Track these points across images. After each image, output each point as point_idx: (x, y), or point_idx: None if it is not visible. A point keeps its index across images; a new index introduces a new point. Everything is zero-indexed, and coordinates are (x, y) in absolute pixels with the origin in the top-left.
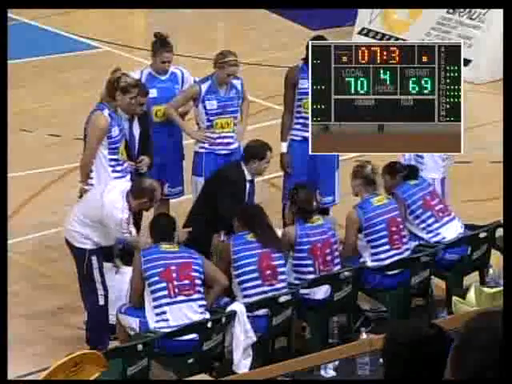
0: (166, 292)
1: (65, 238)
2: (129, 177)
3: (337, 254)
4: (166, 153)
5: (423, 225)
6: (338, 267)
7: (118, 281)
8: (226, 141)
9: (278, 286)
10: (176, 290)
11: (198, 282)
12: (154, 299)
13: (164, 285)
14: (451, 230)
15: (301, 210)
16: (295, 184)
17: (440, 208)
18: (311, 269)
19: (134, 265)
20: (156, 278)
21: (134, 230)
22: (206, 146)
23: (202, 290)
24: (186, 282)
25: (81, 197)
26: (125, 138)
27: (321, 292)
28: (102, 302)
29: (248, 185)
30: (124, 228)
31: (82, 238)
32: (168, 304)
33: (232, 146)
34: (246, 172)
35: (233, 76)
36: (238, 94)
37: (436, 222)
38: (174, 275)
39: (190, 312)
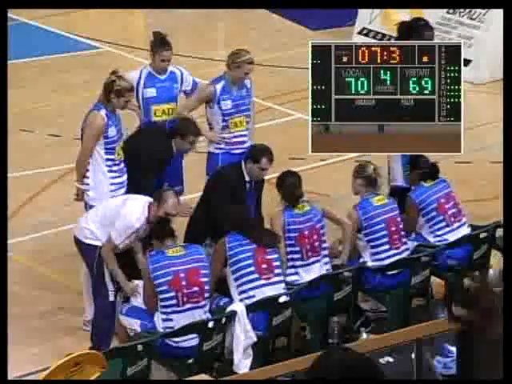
0: (174, 301)
1: (74, 236)
2: (125, 177)
3: (324, 238)
4: None
5: (432, 229)
6: (326, 252)
7: None
8: (240, 139)
9: (274, 279)
10: (185, 299)
11: (207, 287)
12: (162, 306)
13: (173, 294)
14: (458, 236)
15: (287, 195)
16: (282, 172)
17: (453, 212)
18: (299, 255)
19: (143, 272)
20: (165, 287)
21: (139, 245)
22: (223, 146)
23: (209, 294)
24: (196, 289)
25: (77, 196)
26: (122, 139)
27: (312, 274)
28: (111, 297)
29: (247, 186)
30: (127, 234)
31: (92, 235)
32: (175, 312)
33: (246, 145)
34: (244, 173)
35: (248, 74)
36: (249, 93)
37: (446, 226)
38: (184, 283)
39: (195, 319)
